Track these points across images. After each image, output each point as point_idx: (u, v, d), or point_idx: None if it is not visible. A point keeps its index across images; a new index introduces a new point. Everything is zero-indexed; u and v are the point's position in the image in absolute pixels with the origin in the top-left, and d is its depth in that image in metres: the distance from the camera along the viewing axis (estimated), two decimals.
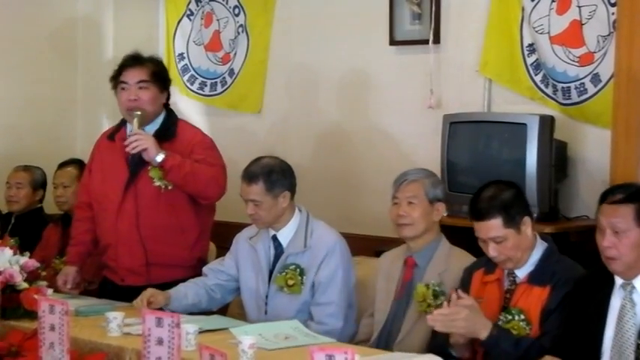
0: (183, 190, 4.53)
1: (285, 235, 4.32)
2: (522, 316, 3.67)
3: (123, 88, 4.60)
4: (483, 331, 3.61)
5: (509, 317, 3.68)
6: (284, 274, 4.26)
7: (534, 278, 3.73)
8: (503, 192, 3.78)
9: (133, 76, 4.59)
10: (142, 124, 4.54)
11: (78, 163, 5.48)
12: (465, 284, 3.89)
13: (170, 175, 4.45)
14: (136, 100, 4.55)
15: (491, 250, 3.73)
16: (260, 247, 4.35)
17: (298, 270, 4.24)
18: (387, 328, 4.18)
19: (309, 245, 4.26)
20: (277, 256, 4.32)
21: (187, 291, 4.34)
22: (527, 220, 3.75)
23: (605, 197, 3.50)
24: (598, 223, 3.50)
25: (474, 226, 3.78)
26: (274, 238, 4.34)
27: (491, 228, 3.72)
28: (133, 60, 4.66)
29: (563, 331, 3.57)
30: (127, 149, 4.47)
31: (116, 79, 4.65)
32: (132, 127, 4.54)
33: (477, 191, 3.83)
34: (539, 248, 3.80)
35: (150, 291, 4.24)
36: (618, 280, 3.48)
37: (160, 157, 4.43)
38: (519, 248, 3.73)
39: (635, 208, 3.42)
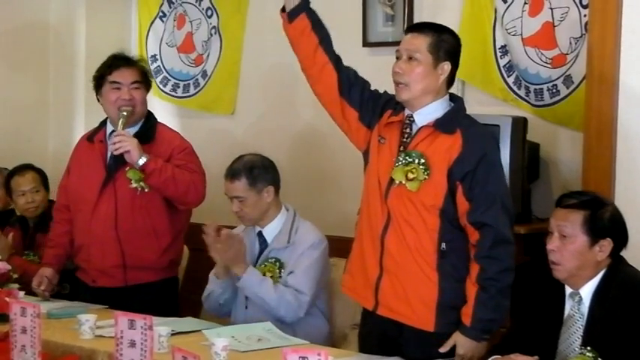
0: (163, 194, 4.53)
1: (270, 232, 4.38)
2: (422, 160, 3.60)
3: (116, 88, 4.56)
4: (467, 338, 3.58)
5: (409, 159, 3.62)
6: (263, 266, 4.31)
7: (440, 125, 3.64)
8: (449, 32, 3.76)
9: (126, 76, 4.58)
10: (127, 124, 4.53)
11: (32, 167, 5.48)
12: (383, 102, 3.85)
13: (151, 178, 4.44)
14: (130, 100, 4.55)
15: (397, 67, 3.68)
16: (246, 243, 4.36)
17: (278, 263, 4.31)
18: None
19: (293, 241, 4.33)
20: (261, 252, 4.38)
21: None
22: (447, 65, 3.69)
23: (561, 201, 3.49)
24: (549, 226, 3.48)
25: (402, 40, 3.75)
26: (259, 235, 4.39)
27: (416, 43, 3.67)
28: (125, 60, 4.65)
29: (516, 332, 3.55)
30: (110, 149, 4.47)
31: (103, 78, 4.60)
32: (117, 128, 4.52)
33: None
34: (446, 101, 3.72)
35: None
36: (567, 289, 3.47)
37: (142, 160, 4.42)
38: (424, 81, 3.66)
39: (585, 215, 3.40)
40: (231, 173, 4.34)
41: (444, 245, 3.61)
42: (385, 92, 3.91)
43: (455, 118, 3.67)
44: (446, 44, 3.70)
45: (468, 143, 3.59)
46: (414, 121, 3.71)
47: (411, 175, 3.59)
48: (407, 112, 3.74)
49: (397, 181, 3.64)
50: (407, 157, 3.62)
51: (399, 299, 3.67)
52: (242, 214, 4.34)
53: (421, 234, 3.63)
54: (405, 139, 3.69)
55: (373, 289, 3.73)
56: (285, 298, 4.20)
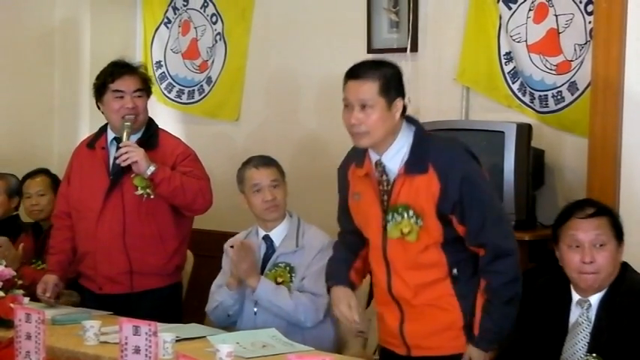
0: (171, 202, 4.53)
1: (277, 235, 4.39)
2: (411, 212, 3.52)
3: (119, 97, 4.54)
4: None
5: (398, 217, 3.55)
6: (273, 271, 4.32)
7: (412, 168, 3.52)
8: (388, 65, 3.58)
9: (129, 84, 4.56)
10: (130, 133, 4.53)
11: (45, 172, 5.48)
12: (343, 181, 3.78)
13: (160, 188, 4.44)
14: (133, 108, 4.54)
15: (354, 118, 3.49)
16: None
17: (288, 268, 4.31)
18: None
19: (301, 245, 4.34)
20: (268, 256, 4.38)
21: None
22: (399, 100, 3.52)
23: (572, 213, 3.46)
24: (570, 240, 3.44)
25: (346, 88, 3.54)
26: (266, 238, 4.40)
27: (365, 90, 3.48)
28: (127, 68, 4.63)
29: (518, 339, 3.53)
30: (118, 161, 4.45)
31: (105, 87, 4.58)
32: (119, 135, 4.52)
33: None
34: (407, 134, 3.57)
35: None
36: (575, 296, 3.46)
37: (150, 170, 4.41)
38: (383, 125, 3.49)
39: (610, 220, 3.42)
40: (263, 161, 4.46)
41: (455, 271, 3.59)
42: (339, 175, 3.84)
43: (422, 152, 3.55)
44: (393, 81, 3.54)
45: (443, 176, 3.49)
46: (385, 166, 3.61)
47: (406, 230, 3.56)
48: (373, 157, 3.62)
49: (395, 238, 3.61)
50: (395, 215, 3.57)
51: (427, 338, 3.66)
52: (276, 202, 4.35)
53: (430, 271, 3.60)
54: (384, 190, 3.61)
55: (399, 337, 3.70)
56: (303, 303, 4.21)
